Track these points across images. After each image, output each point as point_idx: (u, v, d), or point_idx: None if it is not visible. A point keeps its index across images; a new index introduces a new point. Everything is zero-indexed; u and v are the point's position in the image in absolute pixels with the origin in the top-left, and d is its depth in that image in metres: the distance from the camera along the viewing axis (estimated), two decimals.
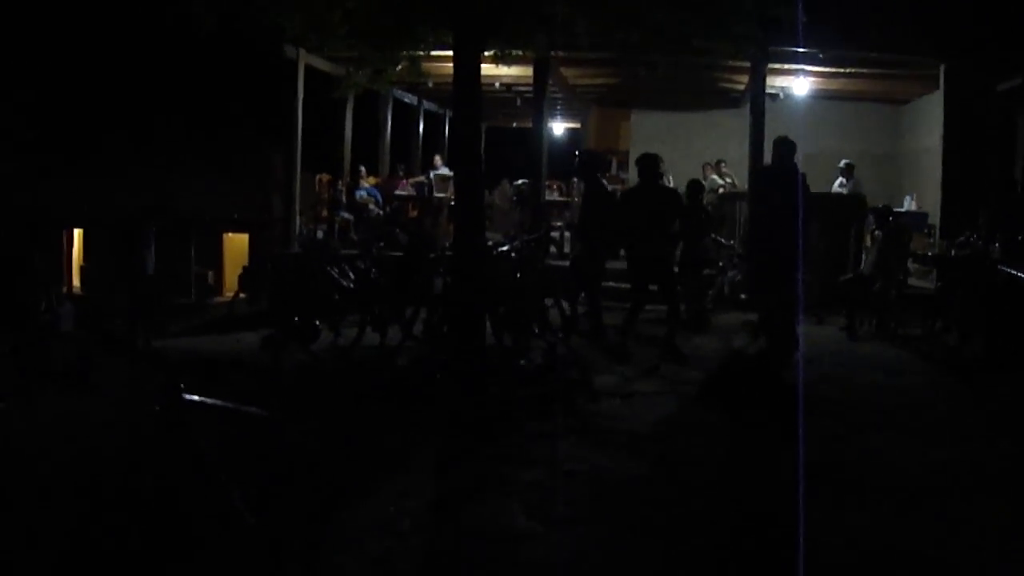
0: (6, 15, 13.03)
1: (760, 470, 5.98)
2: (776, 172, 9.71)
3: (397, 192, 17.53)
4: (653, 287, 9.53)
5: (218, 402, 4.69)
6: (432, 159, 18.52)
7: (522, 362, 8.63)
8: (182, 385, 4.21)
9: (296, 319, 9.35)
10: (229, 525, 4.33)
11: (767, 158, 11.44)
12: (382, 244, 13.65)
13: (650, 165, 9.83)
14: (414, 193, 17.74)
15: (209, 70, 13.39)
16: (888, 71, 15.91)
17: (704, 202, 12.25)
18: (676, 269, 10.33)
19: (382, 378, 8.38)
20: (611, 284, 10.96)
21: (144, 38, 12.87)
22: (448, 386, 7.74)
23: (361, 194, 16.41)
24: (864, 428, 6.94)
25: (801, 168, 9.52)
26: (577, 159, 11.96)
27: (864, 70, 15.76)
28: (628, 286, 9.79)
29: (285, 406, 6.79)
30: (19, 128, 13.33)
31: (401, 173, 18.66)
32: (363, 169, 17.10)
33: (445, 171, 16.66)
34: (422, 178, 18.08)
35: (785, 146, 9.58)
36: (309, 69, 15.01)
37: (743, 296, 12.57)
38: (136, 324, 9.99)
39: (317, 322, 9.39)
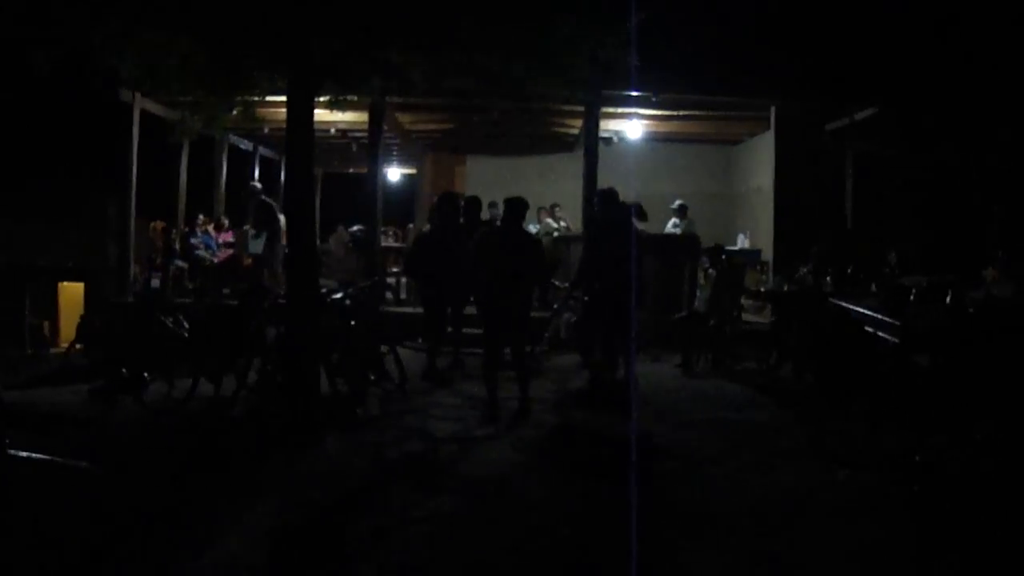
0: None
1: (598, 512, 5.96)
2: (608, 218, 9.78)
3: (225, 240, 16.83)
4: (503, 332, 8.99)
5: (45, 457, 4.60)
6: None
7: (358, 411, 8.58)
8: (6, 440, 4.14)
9: (124, 370, 9.25)
10: None
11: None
12: (226, 292, 13.52)
13: (518, 209, 9.02)
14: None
15: (42, 113, 12.96)
16: (720, 113, 16.49)
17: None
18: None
19: (215, 430, 8.15)
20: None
21: None
22: (282, 437, 7.59)
23: (195, 241, 15.88)
24: (703, 463, 7.08)
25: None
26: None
27: (696, 112, 16.27)
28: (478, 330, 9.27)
29: (115, 460, 6.66)
30: None
31: (226, 224, 17.56)
32: (201, 216, 16.63)
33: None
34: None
35: (606, 196, 9.83)
36: (145, 113, 14.71)
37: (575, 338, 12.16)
38: None
39: (146, 373, 9.24)
